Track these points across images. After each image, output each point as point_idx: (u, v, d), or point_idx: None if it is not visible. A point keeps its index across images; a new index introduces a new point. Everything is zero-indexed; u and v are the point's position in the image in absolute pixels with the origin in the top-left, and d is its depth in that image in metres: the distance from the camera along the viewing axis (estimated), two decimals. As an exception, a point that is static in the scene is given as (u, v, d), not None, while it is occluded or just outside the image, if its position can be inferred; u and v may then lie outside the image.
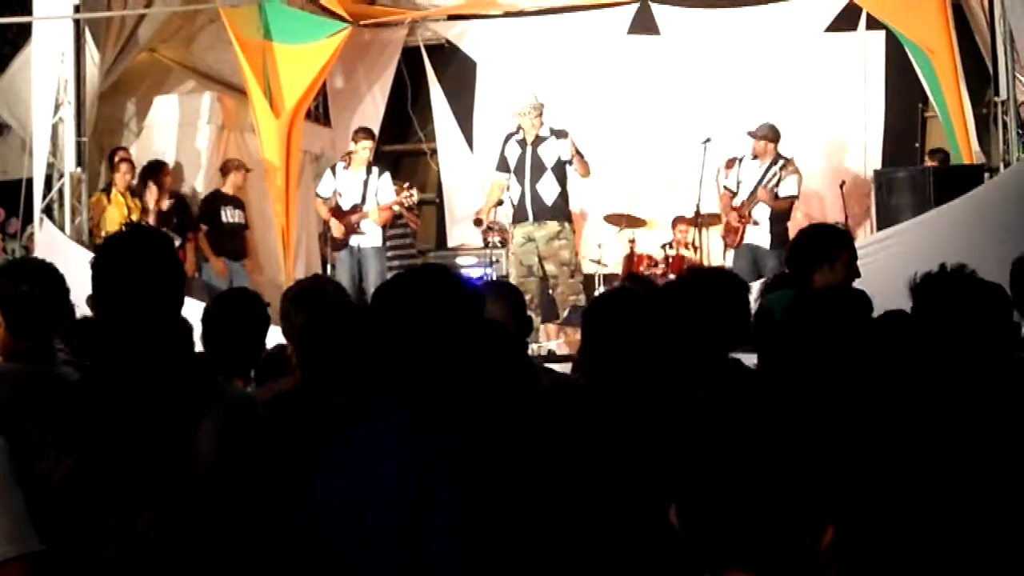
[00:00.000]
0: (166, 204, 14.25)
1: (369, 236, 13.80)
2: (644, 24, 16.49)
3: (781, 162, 13.84)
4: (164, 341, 3.50)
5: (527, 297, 9.68)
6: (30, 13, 14.03)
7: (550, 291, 13.16)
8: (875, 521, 3.12)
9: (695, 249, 14.73)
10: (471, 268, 14.62)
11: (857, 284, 5.99)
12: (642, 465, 3.45)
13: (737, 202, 14.02)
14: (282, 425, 4.09)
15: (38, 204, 13.67)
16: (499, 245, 15.00)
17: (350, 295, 5.99)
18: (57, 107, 13.70)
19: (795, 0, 16.23)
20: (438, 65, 17.65)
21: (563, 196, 13.09)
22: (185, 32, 15.93)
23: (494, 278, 14.31)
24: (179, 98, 15.88)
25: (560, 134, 13.13)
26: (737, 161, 14.32)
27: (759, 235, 13.83)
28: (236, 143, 15.91)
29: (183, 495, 3.39)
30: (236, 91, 15.74)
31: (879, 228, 12.36)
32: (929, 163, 13.99)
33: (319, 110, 17.45)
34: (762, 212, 13.86)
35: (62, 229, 13.59)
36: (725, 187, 14.35)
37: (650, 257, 14.86)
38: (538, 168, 13.06)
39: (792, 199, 13.82)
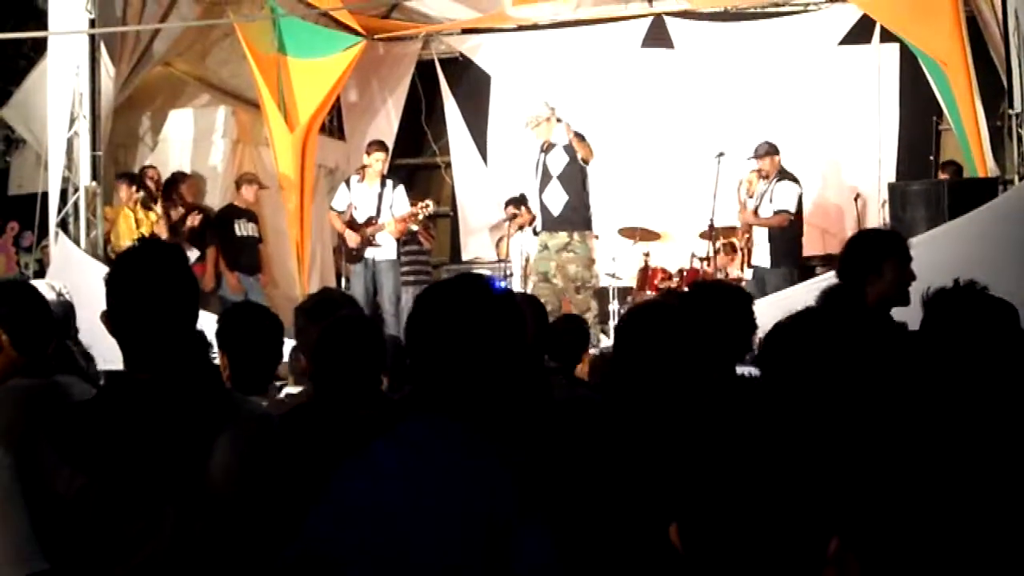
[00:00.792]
0: (197, 219, 14.27)
1: (384, 249, 13.81)
2: (658, 37, 16.51)
3: (776, 178, 13.83)
4: (179, 356, 3.50)
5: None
6: (46, 28, 14.09)
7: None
8: (881, 534, 3.11)
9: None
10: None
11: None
12: (653, 480, 3.44)
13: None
14: (299, 438, 4.08)
15: (53, 218, 13.69)
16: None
17: (362, 307, 5.97)
18: (72, 121, 13.73)
19: (809, 13, 16.25)
20: (452, 78, 17.68)
21: (571, 206, 12.99)
22: (200, 46, 15.97)
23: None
24: (194, 112, 15.93)
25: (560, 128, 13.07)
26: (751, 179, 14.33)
27: (760, 255, 13.86)
28: (251, 157, 15.95)
29: (198, 512, 3.38)
30: (251, 105, 15.77)
31: (893, 241, 12.32)
32: (941, 176, 13.98)
33: (333, 124, 17.48)
34: (760, 232, 13.88)
35: (77, 243, 13.62)
36: (741, 202, 14.34)
37: (664, 270, 14.85)
38: (546, 177, 13.06)
39: (784, 214, 13.73)
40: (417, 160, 18.42)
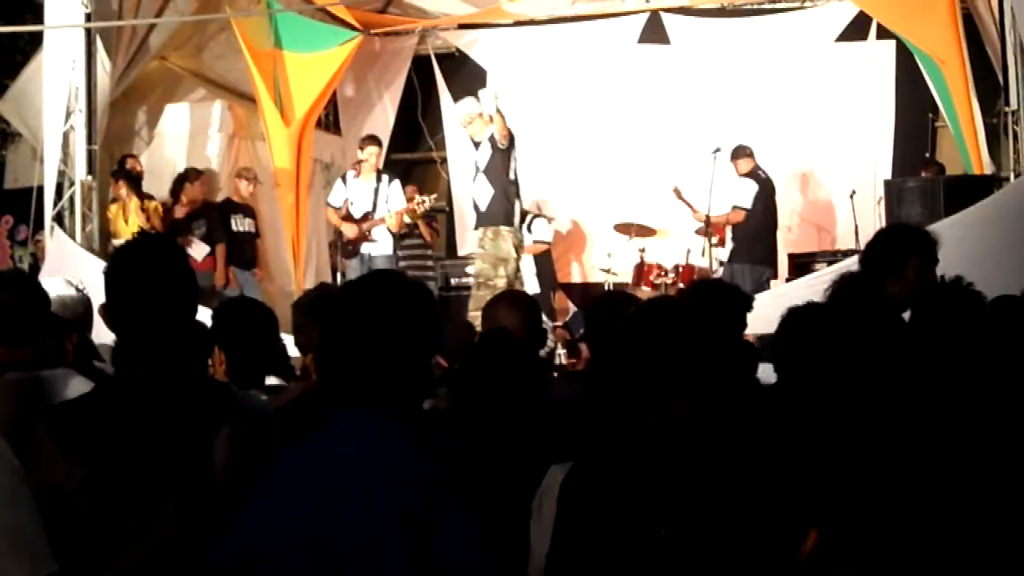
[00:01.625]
0: (181, 212, 14.26)
1: (380, 244, 13.81)
2: (654, 34, 16.51)
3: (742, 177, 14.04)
4: (178, 350, 3.50)
5: None
6: (42, 21, 14.07)
7: None
8: (865, 529, 3.11)
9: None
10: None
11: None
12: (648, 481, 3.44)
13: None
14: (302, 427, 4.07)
15: (49, 212, 13.68)
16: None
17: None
18: (68, 115, 13.72)
19: (805, 10, 16.26)
20: (448, 74, 17.68)
21: (496, 200, 12.88)
22: (196, 41, 15.97)
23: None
24: (190, 106, 15.91)
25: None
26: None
27: (726, 251, 14.03)
28: (247, 151, 15.94)
29: (197, 506, 3.38)
30: (247, 99, 15.77)
31: (889, 238, 12.34)
32: (924, 175, 13.97)
33: (329, 118, 17.48)
34: (728, 229, 14.11)
35: (72, 237, 13.60)
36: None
37: (660, 266, 14.84)
38: (476, 172, 13.05)
39: (740, 211, 13.99)
40: (413, 155, 18.43)
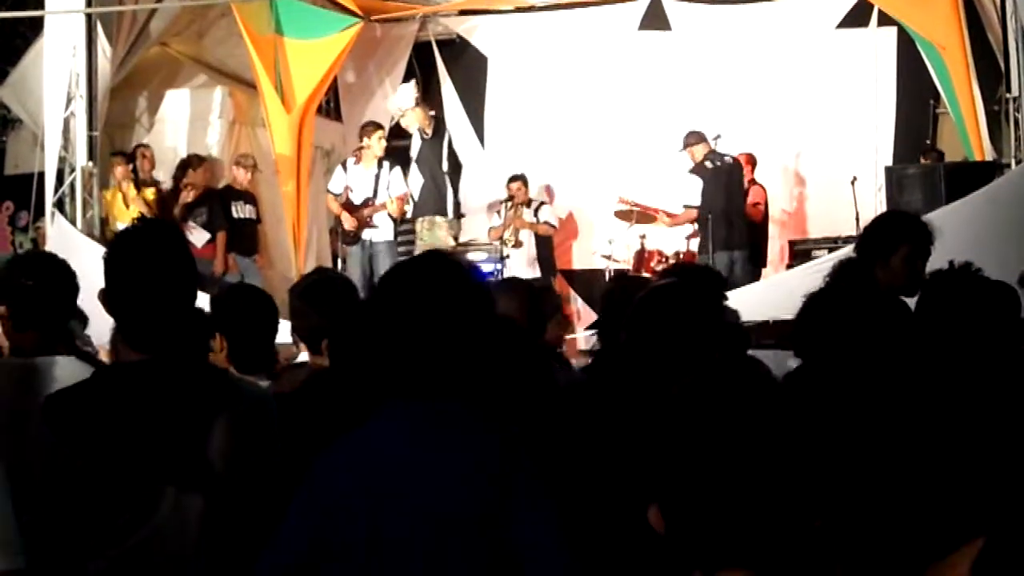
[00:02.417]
0: (191, 196, 14.25)
1: (381, 230, 13.83)
2: (655, 20, 16.48)
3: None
4: (177, 337, 3.50)
5: None
6: (42, 7, 14.06)
7: None
8: (867, 515, 3.11)
9: None
10: (481, 263, 14.62)
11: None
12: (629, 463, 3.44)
13: None
14: (311, 417, 4.07)
15: (49, 198, 13.69)
16: (502, 241, 15.07)
17: (357, 289, 5.93)
18: (69, 101, 13.72)
19: (806, -4, 16.24)
20: (449, 60, 17.65)
21: (428, 189, 13.25)
22: (197, 26, 15.95)
23: (504, 274, 14.35)
24: (190, 92, 15.90)
25: None
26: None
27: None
28: (247, 138, 15.93)
29: (196, 493, 3.38)
30: (247, 86, 15.75)
31: (890, 225, 12.33)
32: (924, 162, 13.96)
33: (330, 105, 17.45)
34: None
35: (73, 223, 13.61)
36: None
37: (660, 253, 14.84)
38: (414, 163, 13.18)
39: (692, 209, 14.25)
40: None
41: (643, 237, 15.07)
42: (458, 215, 13.56)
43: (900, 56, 15.47)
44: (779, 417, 2.10)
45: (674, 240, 15.15)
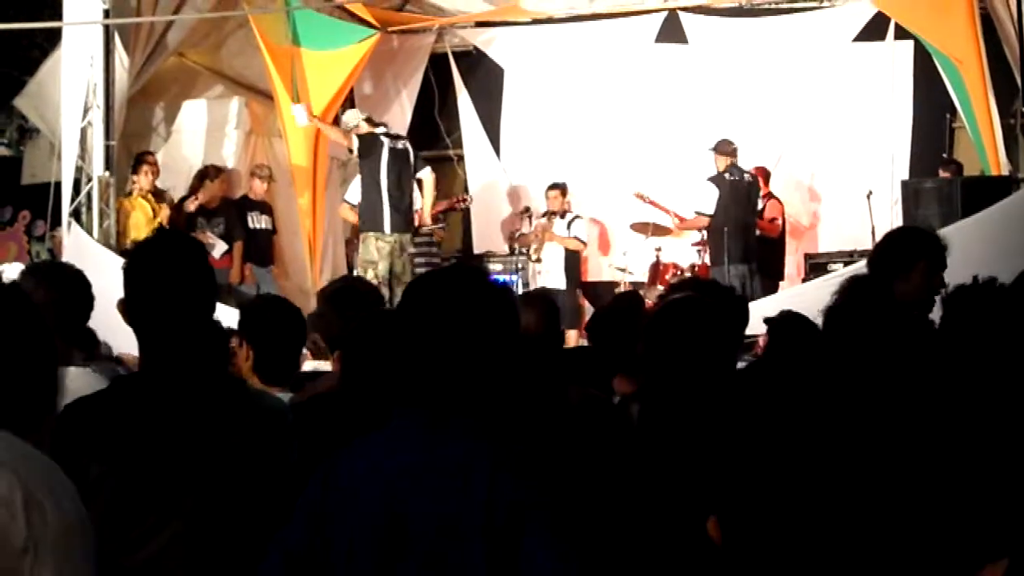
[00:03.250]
0: (193, 205, 14.28)
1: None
2: (672, 33, 16.47)
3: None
4: (195, 347, 3.51)
5: None
6: (60, 18, 14.09)
7: None
8: (892, 533, 3.11)
9: None
10: (497, 275, 14.64)
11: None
12: (681, 477, 3.43)
13: None
14: (321, 426, 4.06)
15: (66, 208, 13.71)
16: (524, 254, 15.07)
17: (384, 300, 5.96)
18: (86, 111, 13.75)
19: (823, 9, 16.21)
20: (465, 72, 17.65)
21: (362, 207, 13.53)
22: (214, 37, 15.98)
23: (520, 285, 14.38)
24: (207, 103, 15.94)
25: None
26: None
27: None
28: (264, 148, 15.96)
29: (213, 503, 3.39)
30: (264, 96, 15.79)
31: (906, 239, 12.31)
32: (943, 174, 13.95)
33: (347, 116, 17.46)
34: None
35: (90, 233, 13.64)
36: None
37: (676, 265, 14.84)
38: None
39: (703, 217, 14.28)
40: (430, 153, 18.35)
41: (658, 250, 15.07)
42: (405, 230, 13.42)
43: (917, 70, 15.44)
44: (840, 435, 2.10)
45: (690, 253, 15.14)
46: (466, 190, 17.55)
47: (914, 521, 3.15)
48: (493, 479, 2.98)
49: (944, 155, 15.20)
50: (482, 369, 3.10)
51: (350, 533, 3.07)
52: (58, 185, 13.87)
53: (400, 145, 13.30)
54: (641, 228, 15.48)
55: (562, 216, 15.19)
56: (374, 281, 12.50)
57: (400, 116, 17.36)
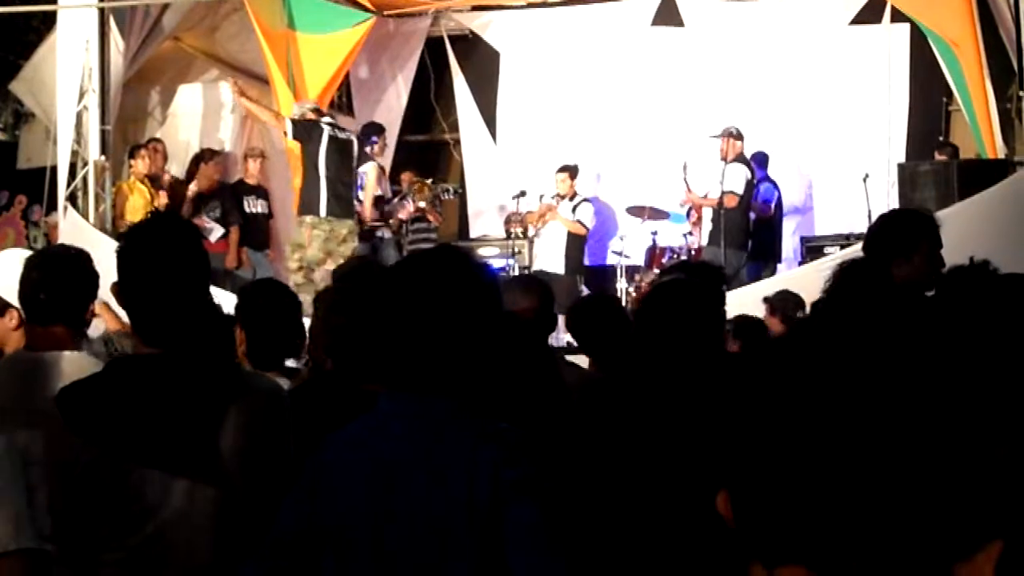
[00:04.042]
0: (190, 192, 14.28)
1: (389, 227, 13.91)
2: (668, 16, 16.47)
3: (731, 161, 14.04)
4: (190, 330, 3.51)
5: None
6: (55, 2, 14.09)
7: None
8: (888, 513, 3.10)
9: None
10: (493, 259, 14.62)
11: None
12: (688, 453, 3.42)
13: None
14: (309, 410, 4.06)
15: (62, 192, 13.71)
16: (520, 236, 15.04)
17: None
18: (81, 95, 13.74)
19: (820, -8, 16.23)
20: (461, 56, 17.65)
21: (302, 190, 13.22)
22: (209, 21, 15.96)
23: (516, 269, 14.36)
24: (203, 87, 15.94)
25: None
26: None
27: (705, 233, 14.19)
28: (259, 132, 15.96)
29: (207, 485, 3.39)
30: (260, 80, 15.75)
31: (902, 222, 12.32)
32: (939, 157, 13.94)
33: (342, 100, 17.44)
34: (706, 212, 14.27)
35: (86, 217, 13.64)
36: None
37: (672, 249, 14.84)
38: None
39: (734, 196, 13.93)
40: (426, 137, 18.41)
41: (655, 234, 15.07)
42: (342, 215, 13.25)
43: (913, 53, 15.43)
44: (857, 413, 2.09)
45: (688, 237, 15.14)
46: (462, 174, 17.55)
47: (916, 501, 3.15)
48: (476, 458, 2.99)
49: (940, 138, 15.20)
50: (464, 350, 3.10)
51: (339, 519, 3.09)
52: (54, 169, 13.86)
53: (343, 135, 13.16)
54: (637, 212, 15.47)
55: (570, 199, 15.12)
56: (298, 265, 12.51)
57: (396, 100, 17.36)
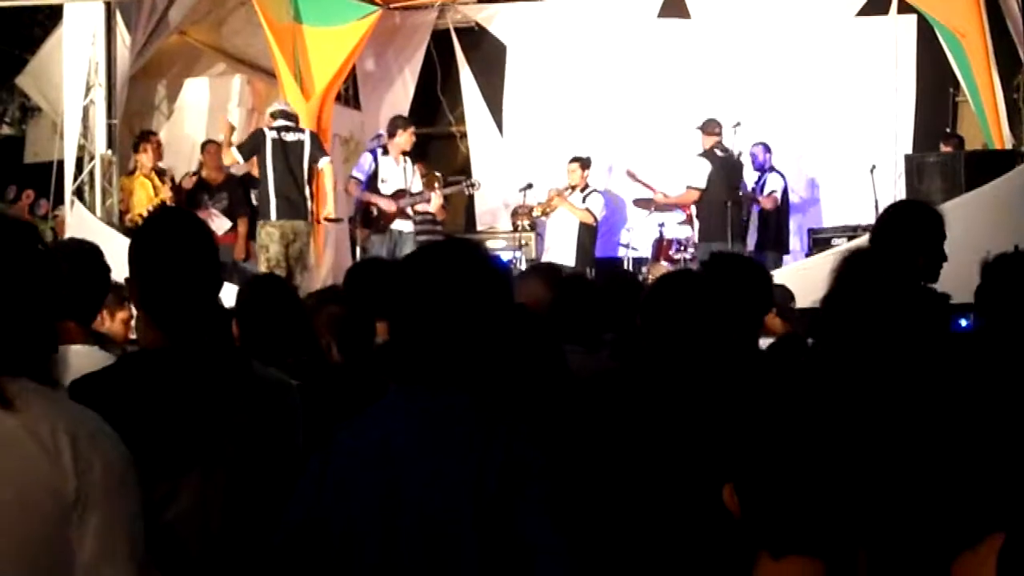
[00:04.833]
0: (191, 181, 14.25)
1: (406, 220, 13.89)
2: (674, 8, 16.46)
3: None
4: (201, 323, 3.51)
5: None
6: (61, -5, 14.10)
7: None
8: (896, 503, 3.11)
9: None
10: (500, 252, 14.61)
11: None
12: (696, 446, 3.42)
13: None
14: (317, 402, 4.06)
15: (69, 186, 13.73)
16: (528, 229, 15.04)
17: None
18: (88, 89, 13.76)
19: (826, -16, 16.21)
20: (468, 48, 17.64)
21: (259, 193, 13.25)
22: (215, 15, 15.97)
23: (523, 262, 14.36)
24: (209, 81, 15.95)
25: None
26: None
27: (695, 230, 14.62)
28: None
29: (218, 479, 3.40)
30: (266, 74, 15.79)
31: (910, 213, 12.31)
32: (944, 148, 13.93)
33: (349, 93, 17.45)
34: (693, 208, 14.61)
35: (92, 211, 13.66)
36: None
37: (679, 241, 14.83)
38: None
39: (694, 191, 14.18)
40: (432, 130, 18.38)
41: (661, 226, 15.06)
42: (293, 217, 13.16)
43: (920, 44, 15.43)
44: (864, 408, 2.11)
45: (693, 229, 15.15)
46: (468, 167, 17.53)
47: (921, 493, 3.15)
48: (487, 450, 2.98)
49: (947, 129, 15.17)
50: (476, 342, 3.08)
51: (349, 510, 3.08)
52: (61, 164, 13.87)
53: (291, 137, 13.07)
54: (644, 204, 15.47)
55: (582, 190, 15.07)
56: (268, 264, 12.59)
57: (402, 93, 17.37)
